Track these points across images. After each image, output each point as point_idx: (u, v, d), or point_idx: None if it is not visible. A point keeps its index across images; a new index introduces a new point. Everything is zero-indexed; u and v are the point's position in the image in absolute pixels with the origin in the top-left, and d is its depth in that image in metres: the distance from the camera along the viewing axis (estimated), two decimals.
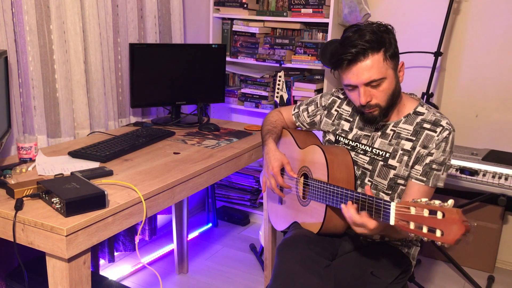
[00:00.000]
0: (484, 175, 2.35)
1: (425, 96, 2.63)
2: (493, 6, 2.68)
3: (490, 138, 2.79)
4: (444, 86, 2.89)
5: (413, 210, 1.19)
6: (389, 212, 1.27)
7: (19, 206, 1.33)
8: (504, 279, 2.76)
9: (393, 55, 1.51)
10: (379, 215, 1.31)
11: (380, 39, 1.48)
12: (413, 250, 1.71)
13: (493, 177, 2.33)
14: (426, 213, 1.15)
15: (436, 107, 2.73)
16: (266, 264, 2.48)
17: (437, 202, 1.16)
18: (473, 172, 2.37)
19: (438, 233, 1.12)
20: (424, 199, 1.19)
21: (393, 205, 1.26)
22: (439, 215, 1.12)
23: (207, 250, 2.96)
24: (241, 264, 2.80)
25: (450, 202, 1.14)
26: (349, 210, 1.39)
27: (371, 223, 1.34)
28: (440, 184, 1.57)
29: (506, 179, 2.30)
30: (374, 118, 1.57)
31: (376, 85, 1.50)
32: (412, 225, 1.19)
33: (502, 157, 2.48)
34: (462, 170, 2.39)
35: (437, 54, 2.61)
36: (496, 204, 2.52)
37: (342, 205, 1.42)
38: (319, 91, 2.98)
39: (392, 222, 1.26)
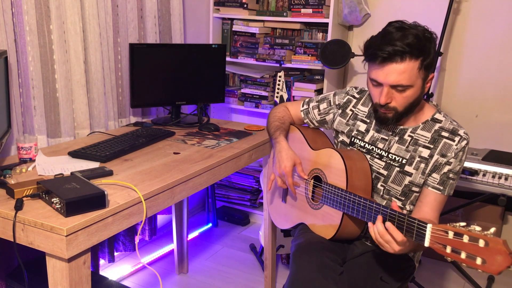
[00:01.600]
0: (484, 175, 2.35)
1: (425, 96, 2.63)
2: (493, 6, 2.68)
3: (490, 138, 2.79)
4: (444, 86, 2.89)
5: (451, 234, 1.16)
6: (424, 234, 1.23)
7: (19, 206, 1.33)
8: (504, 279, 2.77)
9: (428, 66, 1.45)
10: (412, 235, 1.27)
11: (422, 46, 1.42)
12: (417, 253, 1.71)
13: (493, 177, 2.33)
14: (466, 239, 1.13)
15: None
16: (266, 264, 2.48)
17: (477, 228, 1.13)
18: (473, 172, 2.37)
19: (478, 261, 1.10)
20: (462, 224, 1.16)
21: (429, 227, 1.22)
22: (481, 243, 1.10)
23: (207, 250, 2.96)
24: (241, 264, 2.80)
25: (493, 230, 1.11)
26: (377, 226, 1.35)
27: (399, 236, 1.30)
28: (451, 192, 1.56)
29: (506, 179, 2.30)
30: (387, 120, 1.54)
31: (402, 90, 1.46)
32: (448, 249, 1.16)
33: (502, 157, 2.48)
34: (462, 170, 2.39)
35: (437, 54, 2.61)
36: (496, 204, 2.52)
37: (370, 224, 1.39)
38: (319, 91, 2.98)
39: (427, 244, 1.23)
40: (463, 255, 1.13)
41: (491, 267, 1.08)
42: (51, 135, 2.08)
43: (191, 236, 3.10)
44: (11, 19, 1.85)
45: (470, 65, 2.79)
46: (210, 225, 3.31)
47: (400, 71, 1.42)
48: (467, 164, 2.40)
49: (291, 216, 1.82)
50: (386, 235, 1.33)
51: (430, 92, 2.63)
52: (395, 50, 1.40)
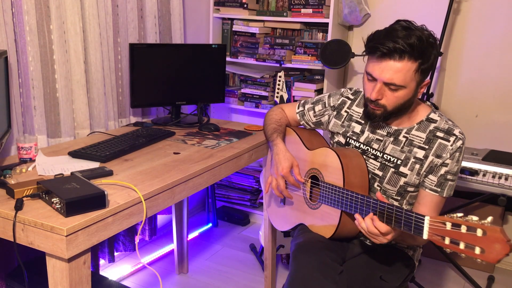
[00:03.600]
0: (484, 175, 2.35)
1: (425, 96, 2.63)
2: (493, 6, 2.68)
3: (490, 138, 2.79)
4: (444, 86, 2.89)
5: (448, 226, 1.17)
6: (422, 226, 1.25)
7: (19, 206, 1.33)
8: (504, 279, 2.77)
9: (425, 71, 1.46)
10: (410, 228, 1.29)
11: (423, 50, 1.41)
12: (417, 252, 1.72)
13: (493, 177, 2.33)
14: (464, 229, 1.14)
15: (436, 107, 2.73)
16: (266, 264, 2.48)
17: (475, 218, 1.14)
18: (473, 172, 2.37)
19: (477, 250, 1.11)
20: (459, 214, 1.17)
21: (427, 219, 1.23)
22: (479, 232, 1.11)
23: (207, 250, 2.96)
24: (241, 264, 2.80)
25: (490, 219, 1.12)
26: (366, 221, 1.39)
27: (382, 227, 1.35)
28: (451, 193, 1.56)
29: (506, 179, 2.30)
30: (374, 116, 1.54)
31: (394, 89, 1.46)
32: (447, 240, 1.17)
33: (502, 157, 2.48)
34: (462, 170, 2.39)
35: (437, 54, 2.61)
36: (496, 204, 2.52)
37: (356, 215, 1.42)
38: (319, 91, 2.98)
39: (425, 236, 1.24)
40: (462, 246, 1.14)
41: (490, 256, 1.09)
42: (51, 135, 2.08)
43: (191, 236, 3.10)
44: (11, 19, 1.85)
45: (470, 65, 2.79)
46: (210, 225, 3.31)
47: (396, 69, 1.42)
48: (467, 164, 2.40)
49: (290, 217, 1.82)
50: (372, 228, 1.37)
51: (430, 92, 2.64)
52: (395, 47, 1.40)
